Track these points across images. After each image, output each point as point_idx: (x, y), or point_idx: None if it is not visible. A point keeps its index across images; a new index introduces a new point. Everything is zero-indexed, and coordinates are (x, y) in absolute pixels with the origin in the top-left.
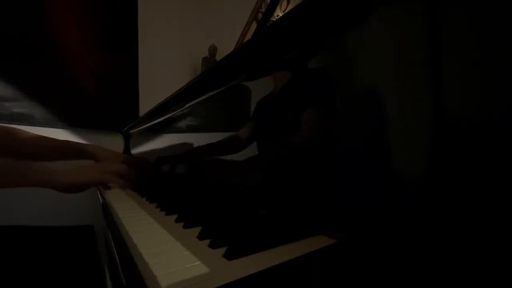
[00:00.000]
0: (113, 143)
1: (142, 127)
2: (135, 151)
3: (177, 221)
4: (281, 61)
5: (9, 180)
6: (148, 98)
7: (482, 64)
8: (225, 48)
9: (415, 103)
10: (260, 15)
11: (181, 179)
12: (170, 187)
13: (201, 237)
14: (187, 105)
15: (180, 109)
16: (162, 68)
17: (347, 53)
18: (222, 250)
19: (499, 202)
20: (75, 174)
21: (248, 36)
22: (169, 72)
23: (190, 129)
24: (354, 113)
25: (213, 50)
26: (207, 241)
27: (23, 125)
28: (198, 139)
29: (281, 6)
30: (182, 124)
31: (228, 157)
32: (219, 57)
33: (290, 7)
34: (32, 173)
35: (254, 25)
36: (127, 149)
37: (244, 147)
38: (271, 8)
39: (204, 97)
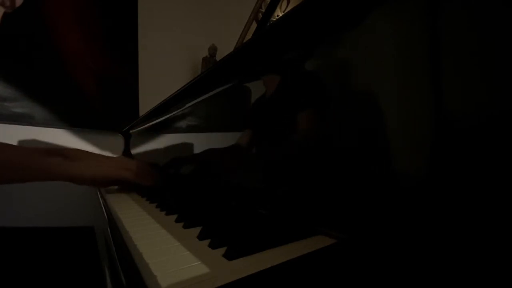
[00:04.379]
0: (113, 143)
1: (142, 127)
2: (135, 151)
3: (177, 221)
4: (281, 61)
5: (21, 174)
6: (148, 98)
7: (483, 64)
8: (225, 48)
9: (415, 103)
10: (260, 15)
11: (181, 179)
12: (170, 187)
13: (201, 237)
14: (187, 105)
15: (180, 109)
16: (162, 68)
17: (348, 53)
18: (222, 250)
19: (500, 203)
20: (100, 169)
21: (248, 36)
22: (169, 72)
23: (190, 129)
24: (354, 113)
25: (213, 50)
26: (207, 241)
27: (23, 125)
28: (198, 139)
29: (281, 6)
30: (182, 124)
31: (228, 157)
32: (219, 57)
33: (290, 7)
34: (46, 166)
35: (254, 25)
36: (127, 149)
37: (246, 148)
38: (271, 8)
39: (204, 97)
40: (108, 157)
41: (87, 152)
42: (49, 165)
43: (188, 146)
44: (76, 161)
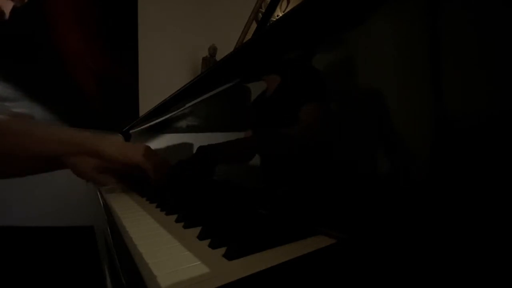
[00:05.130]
0: None
1: (142, 127)
2: None
3: (177, 221)
4: (281, 61)
5: (54, 147)
6: (148, 98)
7: (483, 64)
8: (225, 48)
9: (415, 103)
10: (260, 15)
11: (181, 179)
12: (170, 187)
13: (201, 237)
14: (187, 105)
15: (180, 109)
16: (162, 68)
17: (348, 53)
18: (222, 250)
19: (500, 203)
20: (126, 150)
21: (248, 36)
22: (169, 72)
23: (190, 129)
24: (354, 113)
25: (213, 50)
26: (207, 241)
27: None
28: (198, 139)
29: (281, 6)
30: (182, 124)
31: (229, 157)
32: (219, 57)
33: (290, 7)
34: (74, 139)
35: (254, 25)
36: None
37: (246, 148)
38: (271, 8)
39: (204, 97)
40: (129, 143)
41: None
42: (79, 138)
43: (188, 146)
44: (103, 139)
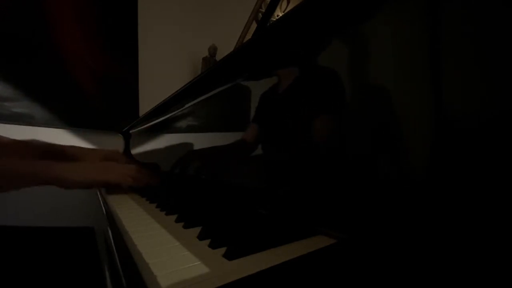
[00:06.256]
0: (113, 143)
1: (142, 127)
2: (135, 151)
3: (177, 221)
4: (281, 61)
5: (12, 182)
6: (148, 98)
7: (484, 64)
8: (225, 48)
9: (415, 103)
10: (260, 15)
11: (181, 179)
12: (170, 187)
13: (201, 237)
14: (187, 105)
15: (180, 109)
16: (162, 68)
17: (348, 52)
18: (222, 250)
19: (500, 204)
20: (85, 172)
21: (248, 36)
22: (169, 72)
23: (190, 129)
24: (354, 113)
25: (213, 50)
26: (207, 241)
27: (23, 125)
28: (198, 139)
29: (281, 6)
30: (182, 124)
31: (229, 157)
32: (219, 57)
33: (290, 7)
34: (37, 171)
35: (254, 25)
36: (127, 149)
37: (246, 148)
38: (271, 8)
39: (204, 97)
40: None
41: (81, 150)
42: (35, 168)
43: (188, 146)
44: (64, 163)
